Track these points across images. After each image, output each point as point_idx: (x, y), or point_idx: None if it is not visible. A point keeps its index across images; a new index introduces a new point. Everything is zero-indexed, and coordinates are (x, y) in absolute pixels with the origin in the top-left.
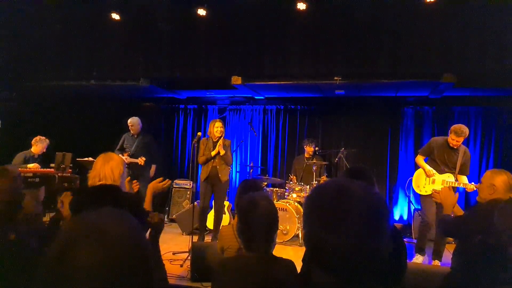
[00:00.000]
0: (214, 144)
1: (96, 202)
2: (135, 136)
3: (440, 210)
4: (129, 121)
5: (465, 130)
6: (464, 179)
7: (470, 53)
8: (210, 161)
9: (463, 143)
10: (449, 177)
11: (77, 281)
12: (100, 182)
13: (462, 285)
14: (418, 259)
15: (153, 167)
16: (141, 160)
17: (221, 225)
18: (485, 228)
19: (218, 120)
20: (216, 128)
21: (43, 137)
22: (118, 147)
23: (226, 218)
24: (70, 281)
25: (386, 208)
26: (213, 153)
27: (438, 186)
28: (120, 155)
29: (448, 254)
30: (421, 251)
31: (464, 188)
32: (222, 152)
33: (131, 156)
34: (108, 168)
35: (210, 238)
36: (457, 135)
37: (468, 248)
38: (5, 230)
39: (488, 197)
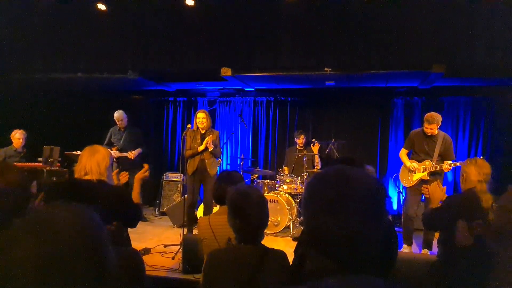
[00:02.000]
0: (202, 136)
1: (69, 197)
2: (122, 129)
3: (427, 204)
4: (114, 116)
5: (436, 117)
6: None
7: (459, 44)
8: (199, 154)
9: (449, 131)
10: (426, 164)
11: (13, 276)
12: (86, 176)
13: (447, 273)
14: (405, 249)
15: (138, 150)
16: (130, 154)
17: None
18: (463, 216)
19: (201, 111)
20: (198, 119)
21: (19, 130)
22: (106, 141)
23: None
24: (7, 276)
25: (385, 194)
26: (200, 149)
27: (419, 175)
28: (108, 149)
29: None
30: (407, 241)
31: (453, 180)
32: (211, 148)
33: (119, 150)
34: (94, 161)
35: None
36: (429, 123)
37: (449, 238)
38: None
39: (463, 187)
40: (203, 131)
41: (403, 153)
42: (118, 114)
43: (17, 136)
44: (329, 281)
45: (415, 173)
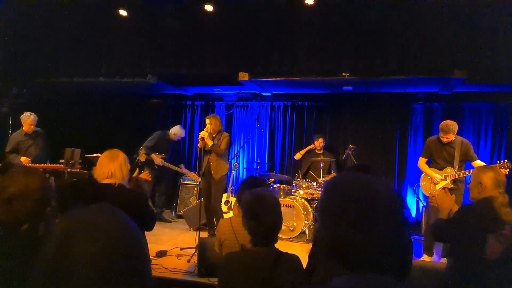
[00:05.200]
0: (212, 140)
1: (88, 198)
2: (170, 141)
3: (429, 213)
4: (178, 131)
5: (451, 125)
6: (477, 163)
7: (481, 49)
8: (207, 155)
9: (470, 138)
10: (448, 171)
11: (74, 276)
12: (109, 179)
13: (457, 286)
14: (425, 259)
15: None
16: (193, 175)
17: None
18: (481, 230)
19: (207, 117)
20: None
21: (27, 113)
22: (150, 144)
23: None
24: (68, 276)
25: (405, 205)
26: (200, 136)
27: (442, 183)
28: (153, 154)
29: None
30: (428, 251)
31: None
32: (209, 143)
33: (166, 160)
34: (117, 165)
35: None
36: (445, 133)
37: (461, 251)
38: (35, 226)
39: (477, 196)
40: (213, 135)
41: (422, 162)
42: (182, 131)
43: (23, 120)
44: (338, 280)
45: (439, 183)
